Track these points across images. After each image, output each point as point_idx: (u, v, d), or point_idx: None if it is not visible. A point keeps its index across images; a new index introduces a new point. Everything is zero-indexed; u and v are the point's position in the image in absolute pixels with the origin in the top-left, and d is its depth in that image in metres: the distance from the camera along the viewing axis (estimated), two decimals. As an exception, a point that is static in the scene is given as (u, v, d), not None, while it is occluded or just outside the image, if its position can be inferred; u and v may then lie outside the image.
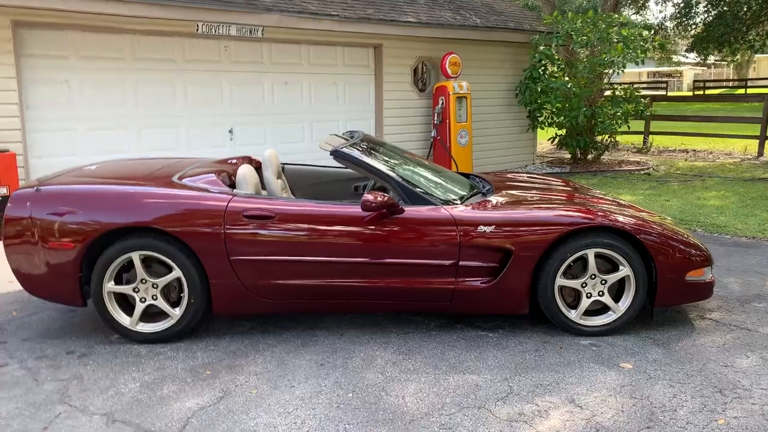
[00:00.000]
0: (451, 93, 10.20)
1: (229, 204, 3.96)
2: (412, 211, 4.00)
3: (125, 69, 7.66)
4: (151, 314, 4.05)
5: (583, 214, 4.02)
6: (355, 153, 4.27)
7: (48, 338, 4.14)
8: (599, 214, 4.04)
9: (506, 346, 3.96)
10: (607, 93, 12.20)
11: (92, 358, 3.84)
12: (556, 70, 11.74)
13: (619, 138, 13.34)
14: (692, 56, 43.06)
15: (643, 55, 10.90)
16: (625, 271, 3.99)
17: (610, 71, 11.51)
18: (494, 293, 4.00)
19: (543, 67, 11.49)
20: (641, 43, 10.92)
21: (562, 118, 11.44)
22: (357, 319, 4.40)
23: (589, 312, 4.08)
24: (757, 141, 13.49)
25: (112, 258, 3.91)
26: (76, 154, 7.35)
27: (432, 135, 10.53)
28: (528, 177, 5.58)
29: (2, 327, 4.34)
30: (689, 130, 15.89)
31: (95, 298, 3.98)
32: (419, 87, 10.80)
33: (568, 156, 13.24)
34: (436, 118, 10.35)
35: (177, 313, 4.00)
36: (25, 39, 6.94)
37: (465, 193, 4.40)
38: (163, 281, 3.97)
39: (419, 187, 4.17)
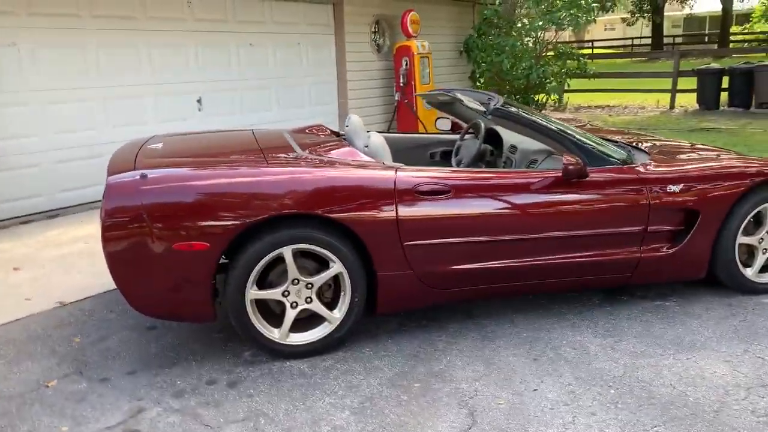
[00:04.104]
0: (415, 53, 9.65)
1: (397, 179, 3.24)
2: (595, 172, 3.52)
3: (83, 29, 6.27)
4: (297, 322, 3.26)
5: (764, 164, 3.78)
6: (517, 112, 3.69)
7: (160, 368, 3.20)
8: (778, 164, 3.82)
9: (698, 314, 3.65)
10: (550, 53, 12.26)
11: (248, 386, 3.00)
12: (500, 29, 11.55)
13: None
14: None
15: (593, 16, 11.02)
16: (802, 221, 3.82)
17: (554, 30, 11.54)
18: (677, 259, 3.66)
19: (490, 24, 11.26)
20: (590, 3, 11.03)
21: (509, 77, 11.32)
22: (509, 303, 3.88)
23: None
24: (668, 95, 14.34)
25: (257, 256, 3.05)
26: (33, 135, 5.95)
27: (396, 98, 9.94)
28: (645, 134, 5.34)
29: (80, 359, 3.31)
30: (594, 86, 16.54)
31: (234, 309, 3.11)
32: (375, 48, 10.13)
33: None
34: (401, 80, 9.76)
35: (337, 316, 3.24)
36: (-41, -10, 5.42)
37: (626, 152, 3.97)
38: (320, 279, 3.18)
39: (593, 146, 3.69)
